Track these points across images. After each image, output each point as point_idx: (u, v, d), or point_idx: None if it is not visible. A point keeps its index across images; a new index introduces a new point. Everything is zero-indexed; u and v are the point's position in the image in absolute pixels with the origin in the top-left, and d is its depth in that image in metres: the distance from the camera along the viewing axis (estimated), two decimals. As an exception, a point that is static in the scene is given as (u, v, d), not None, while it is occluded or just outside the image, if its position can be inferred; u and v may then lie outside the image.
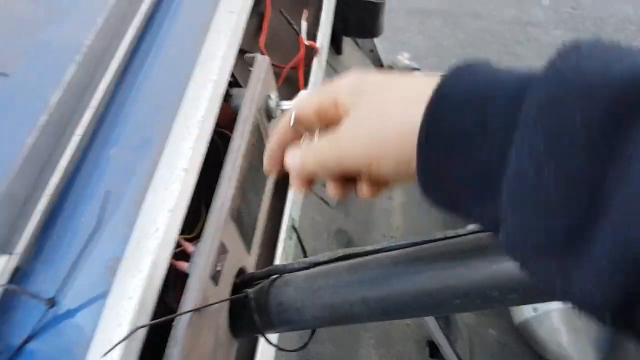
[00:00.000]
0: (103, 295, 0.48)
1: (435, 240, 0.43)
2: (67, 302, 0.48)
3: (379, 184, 0.34)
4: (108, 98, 0.63)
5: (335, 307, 0.48)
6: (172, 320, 0.44)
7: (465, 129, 0.25)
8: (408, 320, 1.06)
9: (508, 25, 2.59)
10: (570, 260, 0.20)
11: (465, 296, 0.37)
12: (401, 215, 1.33)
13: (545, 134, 0.21)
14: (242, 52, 0.78)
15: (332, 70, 1.27)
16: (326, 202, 1.14)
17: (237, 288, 0.58)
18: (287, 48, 1.08)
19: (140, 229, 0.50)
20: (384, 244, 0.49)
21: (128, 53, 0.67)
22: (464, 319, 1.14)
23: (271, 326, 0.54)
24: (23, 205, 0.53)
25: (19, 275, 0.51)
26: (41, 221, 0.54)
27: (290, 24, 0.90)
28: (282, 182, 0.83)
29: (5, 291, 0.49)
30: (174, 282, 0.61)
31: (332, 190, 0.37)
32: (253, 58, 0.64)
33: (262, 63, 0.63)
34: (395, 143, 0.28)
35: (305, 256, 0.63)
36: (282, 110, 0.69)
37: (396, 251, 0.45)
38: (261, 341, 0.65)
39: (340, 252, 0.51)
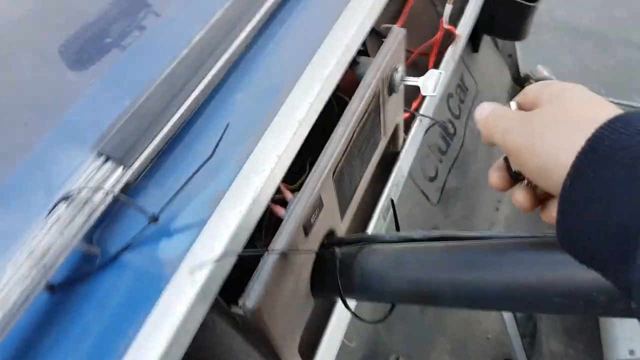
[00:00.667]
0: (202, 221, 0.50)
1: (542, 237, 0.40)
2: (169, 220, 0.52)
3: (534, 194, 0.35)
4: (247, 44, 0.66)
5: (421, 284, 0.46)
6: (261, 255, 0.46)
7: (609, 184, 0.24)
8: (489, 334, 1.00)
9: (667, 59, 2.32)
10: None
11: (567, 295, 0.33)
12: (504, 229, 1.26)
13: None
14: (378, 33, 0.78)
15: (464, 66, 1.23)
16: (427, 198, 1.11)
17: (325, 247, 0.58)
18: (424, 35, 1.07)
19: (249, 166, 0.52)
20: (484, 232, 0.46)
21: (274, 6, 0.70)
22: (550, 345, 1.05)
23: (351, 291, 0.54)
24: (149, 125, 0.57)
25: (130, 189, 0.56)
26: (162, 143, 0.58)
27: (434, 4, 0.88)
28: (389, 161, 0.82)
29: (114, 200, 0.54)
30: (268, 226, 0.63)
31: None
32: (389, 29, 0.63)
33: (396, 34, 0.62)
34: (547, 156, 0.28)
35: (395, 217, 0.62)
36: (406, 86, 0.68)
37: (497, 240, 0.43)
38: (337, 307, 0.65)
39: (436, 232, 0.49)
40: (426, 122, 0.89)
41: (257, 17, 0.68)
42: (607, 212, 0.24)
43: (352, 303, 0.66)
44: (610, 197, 0.24)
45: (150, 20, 0.89)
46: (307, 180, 0.51)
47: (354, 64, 0.67)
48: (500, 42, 1.40)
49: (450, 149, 1.19)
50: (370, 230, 0.74)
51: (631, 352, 0.97)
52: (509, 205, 1.29)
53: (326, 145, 0.54)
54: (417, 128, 0.86)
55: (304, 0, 0.72)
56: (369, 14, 0.66)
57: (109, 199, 0.53)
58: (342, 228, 0.63)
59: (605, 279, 0.26)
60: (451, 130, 1.16)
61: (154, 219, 0.52)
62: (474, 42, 1.24)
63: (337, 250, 0.52)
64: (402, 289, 0.48)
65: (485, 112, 0.36)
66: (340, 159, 0.55)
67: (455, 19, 0.98)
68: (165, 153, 0.59)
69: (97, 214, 0.53)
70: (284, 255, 0.48)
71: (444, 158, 1.17)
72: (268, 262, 0.46)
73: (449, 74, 0.96)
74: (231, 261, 0.47)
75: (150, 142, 0.57)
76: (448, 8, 0.86)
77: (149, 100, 0.59)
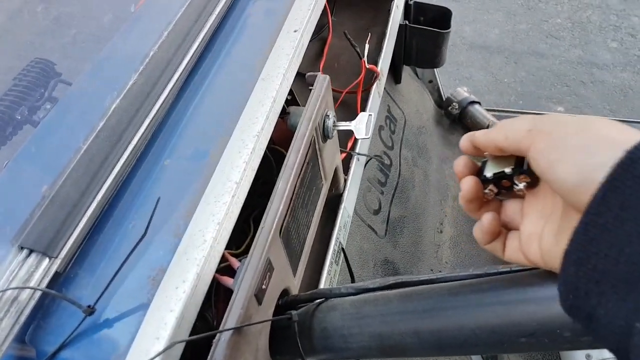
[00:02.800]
0: (144, 306, 0.46)
1: (498, 274, 0.39)
2: (107, 310, 0.47)
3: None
4: (167, 108, 0.63)
5: (385, 337, 0.44)
6: (213, 337, 0.42)
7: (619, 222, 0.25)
8: (456, 358, 1.00)
9: (572, 65, 2.51)
10: None
11: (532, 335, 0.33)
12: (450, 250, 1.27)
13: None
14: (300, 75, 0.78)
15: (390, 98, 1.26)
16: (375, 231, 1.10)
17: (279, 309, 0.55)
18: (346, 74, 1.08)
19: (188, 240, 0.49)
20: (440, 274, 0.45)
21: (190, 65, 0.68)
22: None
23: (313, 352, 0.51)
24: (71, 209, 0.53)
25: (60, 279, 0.51)
26: (87, 226, 0.53)
27: (353, 46, 0.90)
28: (333, 204, 0.81)
29: (44, 295, 0.49)
30: (216, 298, 0.59)
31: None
32: (314, 77, 0.63)
33: (322, 81, 0.62)
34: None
35: (352, 281, 0.60)
36: (338, 131, 0.67)
37: (454, 282, 0.42)
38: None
39: (392, 279, 0.48)
40: (363, 159, 0.89)
41: (175, 77, 0.65)
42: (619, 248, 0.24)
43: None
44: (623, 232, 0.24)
45: (60, 91, 0.84)
46: (252, 244, 0.49)
47: (283, 113, 0.66)
48: (419, 70, 1.45)
49: (389, 180, 1.20)
50: (324, 278, 0.72)
51: (587, 357, 0.99)
52: (451, 225, 1.31)
53: (268, 205, 0.52)
54: (356, 167, 0.85)
55: (223, 55, 0.70)
56: (291, 62, 0.65)
57: (38, 295, 0.48)
58: (295, 284, 0.60)
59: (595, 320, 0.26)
60: (387, 161, 1.17)
61: (90, 311, 0.47)
62: (394, 74, 1.27)
63: (294, 313, 0.49)
64: (366, 344, 0.46)
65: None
66: (285, 215, 0.53)
67: (374, 55, 1.00)
68: (93, 235, 0.54)
69: (27, 312, 0.47)
70: (238, 330, 0.44)
71: (385, 189, 1.17)
72: (221, 343, 0.43)
73: (376, 110, 0.98)
74: (180, 348, 0.43)
75: (76, 227, 0.53)
76: (367, 48, 0.87)
77: (68, 181, 0.55)
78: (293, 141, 0.57)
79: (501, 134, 0.33)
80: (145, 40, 0.70)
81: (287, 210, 0.54)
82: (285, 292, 0.57)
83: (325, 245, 0.76)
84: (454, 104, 1.47)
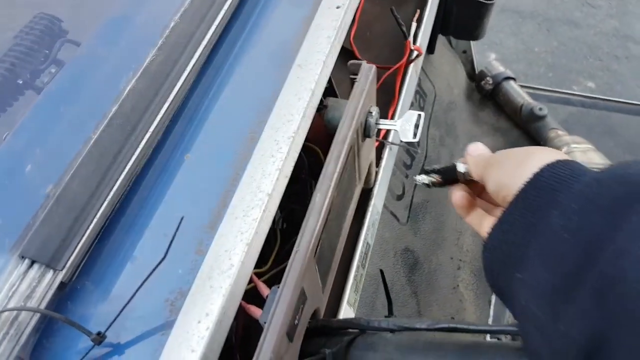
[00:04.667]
0: (161, 339, 0.40)
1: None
2: (118, 340, 0.41)
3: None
4: (186, 93, 0.55)
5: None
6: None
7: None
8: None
9: (607, 37, 2.36)
10: None
11: None
12: (472, 237, 1.21)
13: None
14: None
15: (422, 71, 1.16)
16: (397, 218, 1.04)
17: (308, 333, 0.49)
18: (379, 46, 0.98)
19: (212, 261, 0.43)
20: (494, 326, 0.40)
21: (213, 40, 0.59)
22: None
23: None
24: (80, 213, 0.46)
25: (65, 294, 0.45)
26: (96, 233, 0.47)
27: (399, 24, 0.80)
28: (362, 199, 0.74)
29: (47, 318, 0.43)
30: (238, 324, 0.53)
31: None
32: (358, 65, 0.54)
33: (367, 72, 0.54)
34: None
35: (389, 307, 0.54)
36: (379, 130, 0.59)
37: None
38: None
39: (444, 323, 0.42)
40: (395, 148, 0.82)
41: (196, 55, 0.57)
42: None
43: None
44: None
45: (67, 52, 0.76)
46: (285, 272, 0.42)
47: (320, 105, 0.58)
48: (453, 39, 1.34)
49: (415, 162, 1.12)
50: (349, 283, 0.66)
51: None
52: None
53: (304, 224, 0.45)
54: (388, 158, 0.78)
55: (251, 32, 0.61)
56: (332, 46, 0.56)
57: (40, 315, 0.43)
58: (324, 300, 0.54)
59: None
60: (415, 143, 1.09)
61: (100, 340, 0.41)
62: (429, 44, 1.17)
63: (328, 352, 0.43)
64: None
65: (478, 151, 0.43)
66: (321, 233, 0.47)
67: (412, 25, 0.90)
68: (102, 244, 0.48)
69: (28, 332, 0.42)
70: (267, 374, 0.39)
71: (409, 172, 1.10)
72: (249, 394, 0.37)
73: (413, 89, 0.89)
74: (203, 401, 0.37)
75: (84, 234, 0.46)
76: (413, 27, 0.78)
77: (76, 179, 0.48)
78: (333, 146, 0.49)
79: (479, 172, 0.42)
80: (164, 6, 0.61)
81: (323, 227, 0.47)
82: (315, 313, 0.51)
83: (352, 245, 0.70)
84: (488, 78, 1.37)
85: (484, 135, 1.38)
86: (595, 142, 1.35)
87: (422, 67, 1.19)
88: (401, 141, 0.56)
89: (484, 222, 0.42)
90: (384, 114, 0.84)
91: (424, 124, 1.25)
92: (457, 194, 0.44)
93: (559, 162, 0.34)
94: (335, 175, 0.48)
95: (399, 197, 1.06)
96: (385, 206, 1.01)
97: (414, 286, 1.03)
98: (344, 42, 0.94)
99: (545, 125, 1.31)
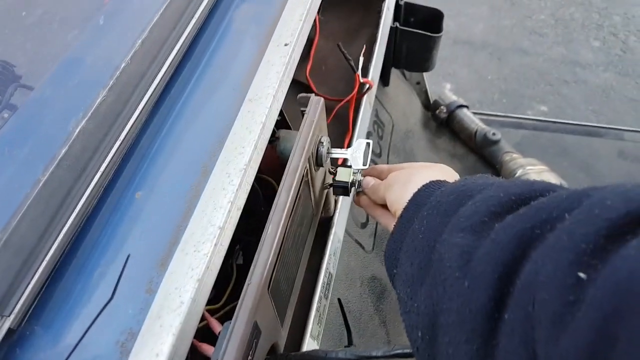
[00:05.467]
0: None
1: None
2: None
3: None
4: (138, 131, 0.55)
5: None
6: None
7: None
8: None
9: (555, 64, 2.48)
10: None
11: None
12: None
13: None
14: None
15: (378, 101, 1.19)
16: (362, 247, 1.04)
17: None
18: (334, 79, 1.01)
19: (162, 300, 0.42)
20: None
21: (165, 80, 0.60)
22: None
23: None
24: (27, 256, 0.45)
25: (13, 342, 0.43)
26: (45, 277, 0.46)
27: (347, 59, 0.82)
28: (321, 229, 0.75)
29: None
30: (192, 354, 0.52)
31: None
32: (307, 98, 0.56)
33: (316, 105, 0.55)
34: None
35: (349, 336, 0.54)
36: (331, 159, 0.60)
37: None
38: None
39: (398, 348, 0.42)
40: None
41: (148, 94, 0.57)
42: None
43: None
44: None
45: (20, 97, 0.75)
46: (237, 306, 0.42)
47: (272, 137, 0.59)
48: (407, 72, 1.39)
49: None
50: (312, 316, 0.66)
51: None
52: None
53: (256, 256, 0.45)
54: (346, 187, 0.79)
55: (203, 71, 0.62)
56: (282, 81, 0.58)
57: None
58: (283, 335, 0.54)
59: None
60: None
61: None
62: (383, 77, 1.21)
63: (285, 385, 0.43)
64: None
65: (371, 183, 0.56)
66: (275, 264, 0.47)
67: (364, 61, 0.93)
68: (51, 287, 0.47)
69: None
70: (222, 413, 0.38)
71: (372, 201, 1.11)
72: None
73: (367, 119, 0.91)
74: None
75: (32, 277, 0.45)
76: (361, 61, 0.80)
77: (24, 222, 0.47)
78: (284, 177, 0.50)
79: (376, 198, 0.55)
80: (116, 48, 0.62)
81: (277, 258, 0.47)
82: (273, 348, 0.51)
83: (314, 275, 0.70)
84: (442, 107, 1.42)
85: (442, 161, 1.41)
86: (549, 163, 1.40)
87: (378, 99, 1.22)
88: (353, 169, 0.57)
89: (389, 223, 0.51)
90: (340, 144, 0.86)
91: (385, 153, 1.27)
92: (362, 198, 0.58)
93: (431, 182, 0.44)
94: (287, 204, 0.48)
95: (363, 225, 1.06)
96: (349, 234, 1.01)
97: (383, 315, 1.03)
98: (301, 77, 0.97)
99: (499, 149, 1.35)
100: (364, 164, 0.56)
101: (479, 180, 0.39)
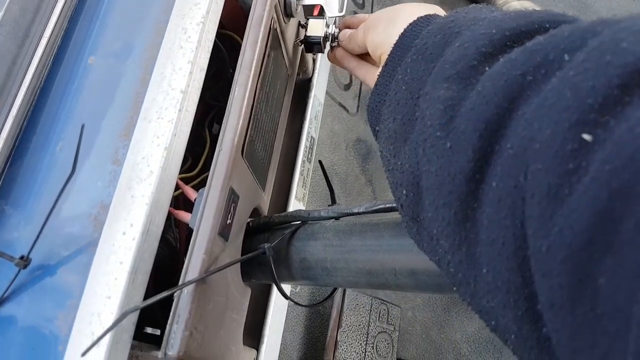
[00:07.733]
0: (89, 255, 0.38)
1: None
2: (45, 261, 0.39)
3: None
4: (81, -12, 0.49)
5: (375, 275, 0.39)
6: (172, 295, 0.36)
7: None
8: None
9: None
10: None
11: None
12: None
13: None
14: None
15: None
16: (346, 109, 1.01)
17: (251, 231, 0.48)
18: None
19: (130, 171, 0.40)
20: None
21: None
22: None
23: (291, 279, 0.46)
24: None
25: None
26: (6, 150, 0.43)
27: None
28: (300, 92, 0.71)
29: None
30: (176, 225, 0.52)
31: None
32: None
33: (280, -57, 0.48)
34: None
35: (332, 196, 0.53)
36: (304, 6, 0.54)
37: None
38: (275, 289, 0.58)
39: (380, 203, 0.41)
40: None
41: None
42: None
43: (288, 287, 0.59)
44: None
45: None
46: (210, 173, 0.40)
47: (233, -12, 0.52)
48: None
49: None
50: (296, 179, 0.65)
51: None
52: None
53: (224, 121, 0.42)
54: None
55: None
56: None
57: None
58: (265, 199, 0.53)
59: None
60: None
61: (25, 263, 0.39)
62: None
63: (267, 246, 0.42)
64: (352, 280, 0.40)
65: (345, 35, 0.50)
66: (247, 128, 0.44)
67: None
68: (14, 162, 0.44)
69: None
70: (203, 278, 0.38)
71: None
72: (184, 298, 0.36)
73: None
74: (136, 313, 0.36)
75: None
76: None
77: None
78: (247, 30, 0.45)
79: (354, 45, 0.49)
80: None
81: (249, 122, 0.44)
82: (256, 211, 0.50)
83: (296, 140, 0.67)
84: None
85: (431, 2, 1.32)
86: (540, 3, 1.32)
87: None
88: (328, 18, 0.52)
89: (367, 75, 0.48)
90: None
91: (369, 1, 1.18)
92: (337, 50, 0.52)
93: (419, 19, 0.37)
94: (255, 62, 0.44)
95: (347, 87, 1.02)
96: (331, 97, 0.98)
97: (369, 174, 1.04)
98: None
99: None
100: (340, 11, 0.51)
101: (470, 14, 0.33)
